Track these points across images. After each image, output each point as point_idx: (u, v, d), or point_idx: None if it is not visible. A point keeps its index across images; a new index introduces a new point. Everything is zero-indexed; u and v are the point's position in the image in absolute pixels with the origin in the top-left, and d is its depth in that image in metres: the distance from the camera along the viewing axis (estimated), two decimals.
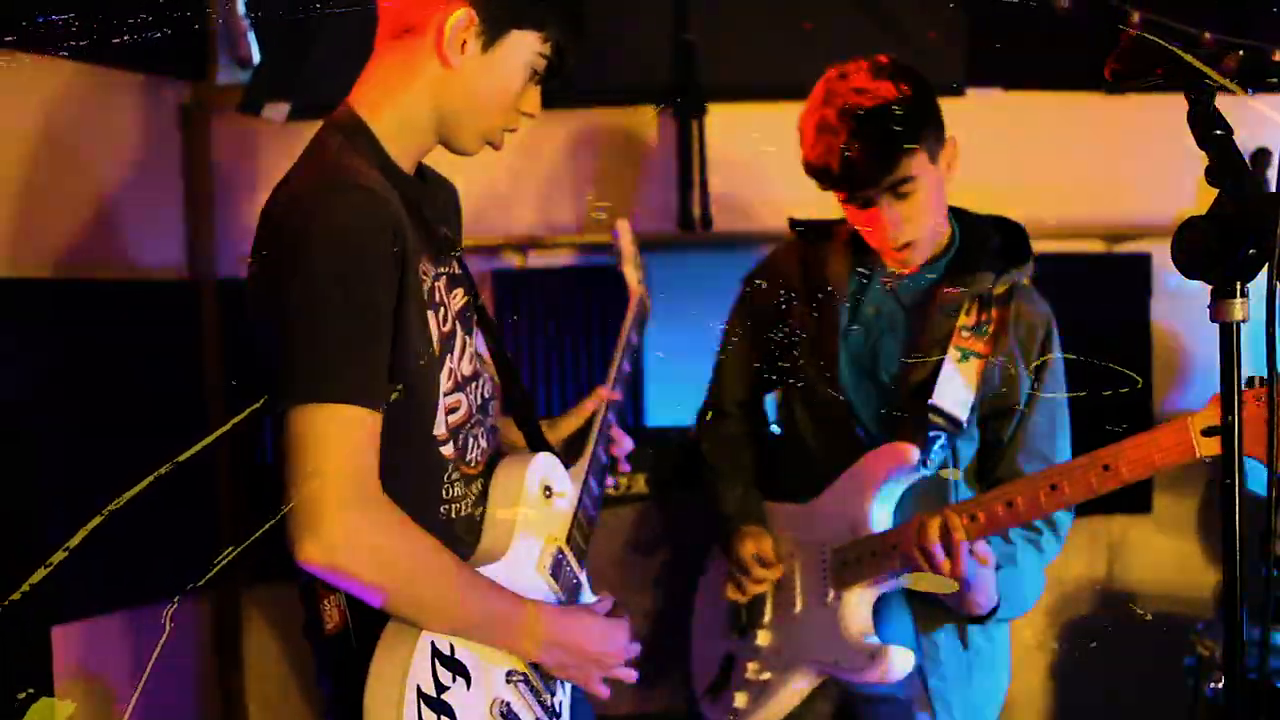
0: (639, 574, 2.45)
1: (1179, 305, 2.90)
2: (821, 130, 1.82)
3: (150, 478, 1.24)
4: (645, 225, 2.62)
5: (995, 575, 1.79)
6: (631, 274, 2.07)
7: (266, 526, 1.19)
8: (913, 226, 1.85)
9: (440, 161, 1.53)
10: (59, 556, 1.19)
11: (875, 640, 1.86)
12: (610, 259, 2.18)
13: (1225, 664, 1.18)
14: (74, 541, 1.20)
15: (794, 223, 2.10)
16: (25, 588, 1.23)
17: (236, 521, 2.59)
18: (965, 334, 1.88)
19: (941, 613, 1.90)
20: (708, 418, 2.16)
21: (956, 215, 1.99)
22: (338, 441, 1.19)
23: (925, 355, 1.89)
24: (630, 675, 1.50)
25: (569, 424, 1.74)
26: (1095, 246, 2.91)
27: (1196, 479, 2.97)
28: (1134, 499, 2.92)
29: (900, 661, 1.81)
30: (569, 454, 1.68)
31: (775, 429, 2.24)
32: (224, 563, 1.28)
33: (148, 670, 1.82)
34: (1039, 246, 2.79)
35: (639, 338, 1.97)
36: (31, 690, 1.23)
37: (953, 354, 1.87)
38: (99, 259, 2.39)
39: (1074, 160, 2.89)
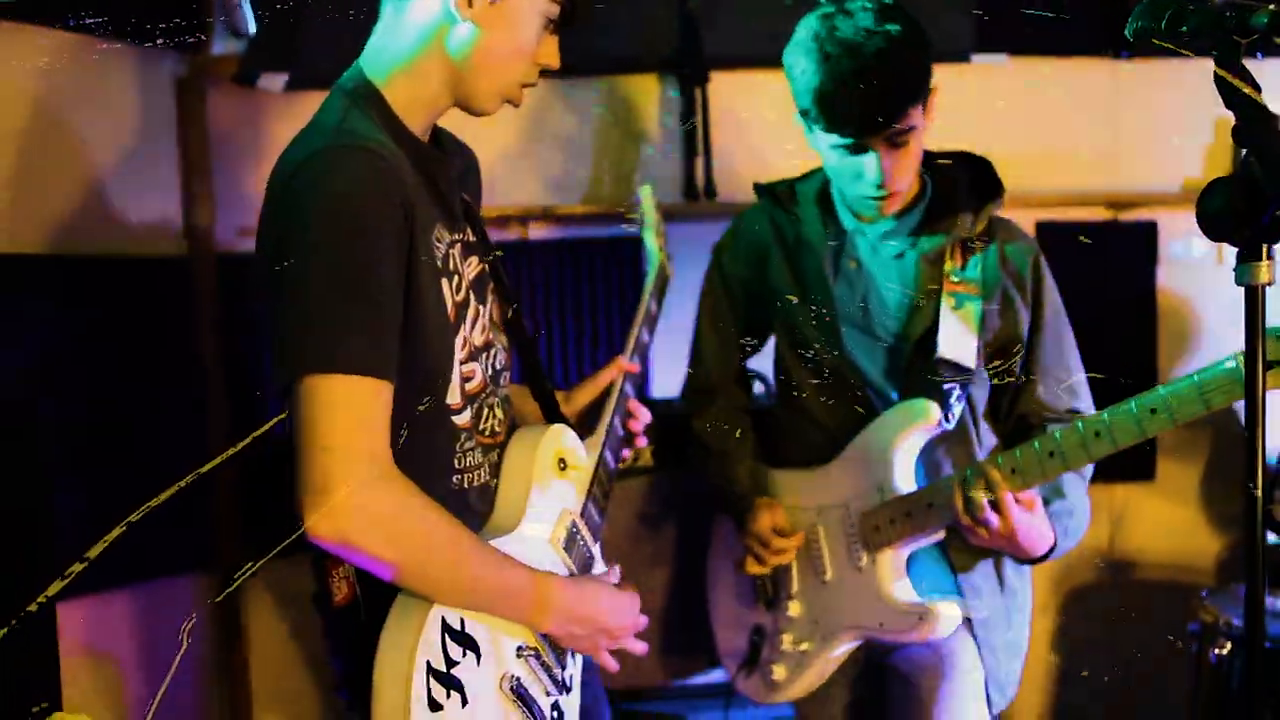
0: (648, 547, 2.43)
1: (1185, 273, 2.89)
2: (825, 68, 1.73)
3: (166, 493, 1.21)
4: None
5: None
6: (653, 241, 2.02)
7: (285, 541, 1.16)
8: (901, 177, 1.82)
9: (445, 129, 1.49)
10: (78, 568, 1.16)
11: (919, 599, 1.85)
12: (615, 230, 2.14)
13: (1247, 623, 1.15)
14: (94, 552, 1.17)
15: (759, 186, 2.06)
16: (42, 599, 1.21)
17: (235, 497, 2.56)
18: (955, 279, 1.85)
19: (979, 556, 1.89)
20: (697, 398, 2.12)
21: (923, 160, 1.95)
22: (346, 413, 1.16)
23: (918, 307, 1.86)
24: (640, 647, 1.49)
25: (585, 395, 1.71)
26: (1100, 214, 2.88)
27: (1201, 446, 2.96)
28: (1138, 467, 2.92)
29: (949, 617, 1.81)
30: (585, 426, 1.66)
31: (760, 394, 2.22)
32: (242, 579, 1.26)
33: (172, 670, 1.80)
34: (1044, 215, 2.85)
35: (659, 307, 1.92)
36: (45, 704, 1.21)
37: (947, 301, 1.84)
38: (95, 234, 2.34)
39: (1079, 128, 2.87)
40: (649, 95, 2.76)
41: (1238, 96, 1.13)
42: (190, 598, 2.57)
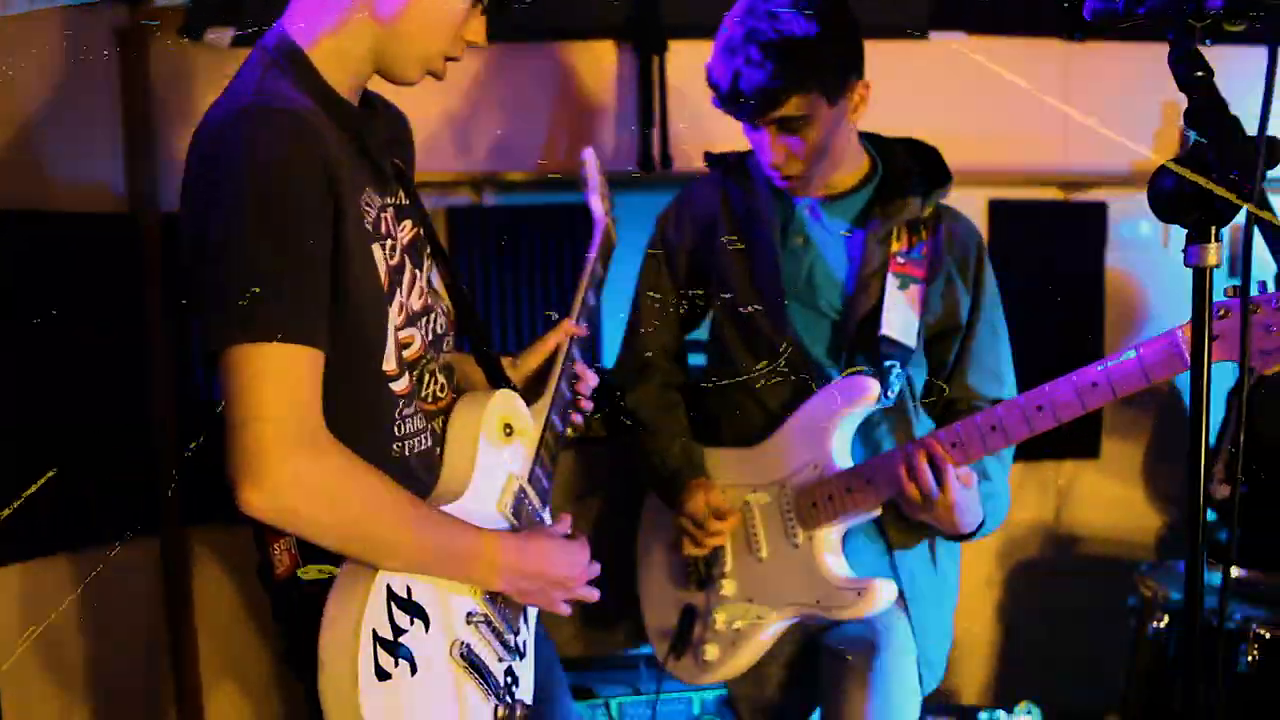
0: (598, 515, 2.43)
1: (1133, 254, 2.94)
2: (724, 47, 1.79)
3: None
4: (605, 162, 2.56)
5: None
6: (598, 204, 2.00)
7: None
8: (798, 163, 1.85)
9: (398, 93, 1.46)
10: None
11: (855, 576, 1.86)
12: (568, 197, 2.12)
13: (1187, 590, 1.18)
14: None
15: (709, 156, 2.06)
16: None
17: (176, 461, 2.52)
18: (900, 260, 1.88)
19: (914, 536, 1.91)
20: (631, 373, 2.12)
21: (873, 142, 1.98)
22: (275, 381, 1.15)
23: (864, 285, 1.88)
24: (592, 594, 1.49)
25: (532, 360, 1.70)
26: (1052, 194, 2.92)
27: (1144, 425, 3.02)
28: (1083, 445, 2.98)
29: (885, 593, 1.82)
30: (533, 391, 1.65)
31: (696, 370, 2.21)
32: None
33: None
34: (997, 193, 2.88)
35: (604, 270, 1.92)
36: None
37: (892, 281, 1.87)
38: (31, 190, 2.27)
39: (1033, 108, 2.87)
40: (605, 63, 2.73)
41: (1192, 80, 1.14)
42: (133, 563, 2.53)
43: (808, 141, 1.82)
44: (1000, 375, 1.95)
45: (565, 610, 1.47)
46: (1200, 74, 1.13)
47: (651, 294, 2.08)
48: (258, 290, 1.15)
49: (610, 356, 2.63)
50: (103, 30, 2.41)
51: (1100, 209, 2.92)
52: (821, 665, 1.95)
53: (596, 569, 1.49)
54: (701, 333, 2.21)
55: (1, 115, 2.22)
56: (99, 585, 2.41)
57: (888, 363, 1.84)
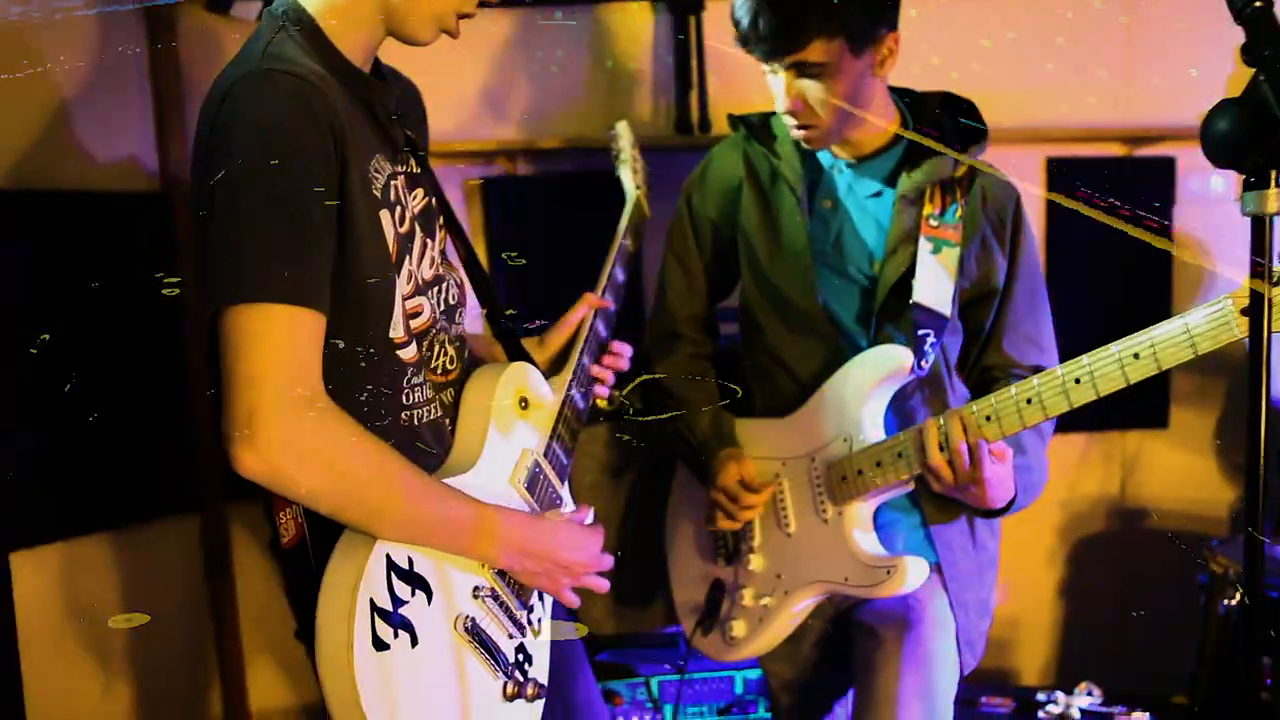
0: (633, 493, 2.42)
1: (1203, 212, 2.81)
2: None
3: None
4: (641, 128, 2.53)
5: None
6: (628, 177, 1.98)
7: None
8: (815, 114, 1.80)
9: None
10: None
11: (886, 553, 1.82)
12: (607, 164, 2.09)
13: (1246, 569, 1.11)
14: None
15: (732, 119, 2.02)
16: None
17: (215, 437, 2.53)
18: (933, 223, 1.82)
19: (953, 512, 1.87)
20: (660, 343, 2.09)
21: (903, 97, 1.92)
22: (274, 343, 1.14)
23: (895, 250, 1.83)
24: (602, 585, 1.48)
25: (558, 338, 1.69)
26: (1115, 150, 2.81)
27: (1215, 393, 2.89)
28: (1150, 414, 2.88)
29: (917, 572, 1.77)
30: (559, 369, 1.64)
31: (725, 340, 2.19)
32: None
33: None
34: (1055, 150, 2.78)
35: (635, 244, 1.89)
36: None
37: (925, 246, 1.81)
38: (64, 170, 2.29)
39: (1093, 58, 2.78)
40: (641, 25, 2.69)
41: (1248, 11, 1.06)
42: (173, 540, 2.55)
43: (828, 92, 1.76)
44: (1040, 342, 1.90)
45: (573, 600, 1.45)
46: (1258, 3, 1.05)
47: (678, 262, 2.06)
48: (258, 251, 1.15)
49: None
50: (132, 7, 2.42)
51: (1167, 164, 2.81)
52: (854, 642, 1.91)
53: (609, 561, 1.47)
54: (734, 301, 2.17)
55: (32, 97, 2.25)
56: (140, 563, 2.44)
57: (921, 332, 1.79)
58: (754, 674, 2.47)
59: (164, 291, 2.06)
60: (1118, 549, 2.92)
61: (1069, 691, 2.51)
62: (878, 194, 1.88)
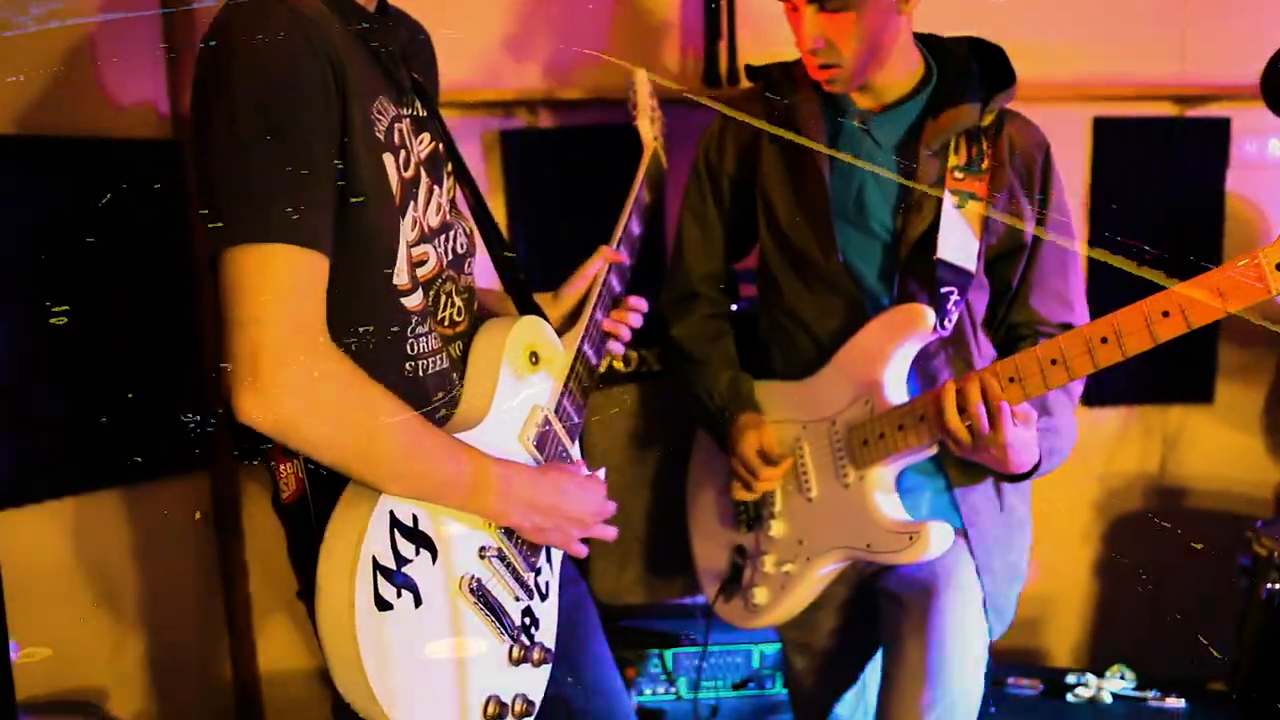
0: (653, 457, 2.40)
1: (1259, 176, 2.76)
2: None
3: None
4: (669, 79, 2.55)
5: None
6: (646, 127, 1.96)
7: None
8: (836, 52, 1.77)
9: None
10: None
11: (909, 519, 1.82)
12: (628, 117, 2.07)
13: None
14: None
15: (752, 69, 2.00)
16: None
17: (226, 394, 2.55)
18: (958, 175, 1.80)
19: (975, 474, 1.86)
20: (676, 303, 2.08)
21: (927, 43, 1.89)
22: (276, 285, 1.14)
23: (918, 204, 1.81)
24: (609, 532, 1.48)
25: (572, 293, 1.68)
26: (1166, 110, 2.76)
27: (1264, 366, 2.85)
28: (1194, 387, 2.83)
29: (941, 538, 1.76)
30: (570, 321, 1.64)
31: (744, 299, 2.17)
32: None
33: None
34: (1102, 110, 2.73)
35: (652, 197, 1.87)
36: None
37: (949, 199, 1.79)
38: (75, 117, 2.30)
39: (1144, 12, 2.71)
40: None
41: None
42: (183, 498, 2.59)
43: (850, 27, 1.73)
44: (1069, 298, 1.87)
45: (582, 550, 1.45)
46: None
47: (695, 218, 2.05)
48: (257, 189, 1.14)
49: None
50: None
51: (1222, 126, 2.75)
52: (879, 609, 1.91)
53: (613, 507, 1.47)
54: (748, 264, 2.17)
55: (42, 43, 2.25)
56: (150, 520, 2.48)
57: (945, 289, 1.78)
58: (771, 648, 2.48)
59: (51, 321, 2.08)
60: (1156, 528, 2.89)
61: (1101, 674, 2.49)
62: (900, 145, 1.86)
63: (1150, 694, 2.45)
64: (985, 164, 1.81)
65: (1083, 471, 2.91)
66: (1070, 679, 2.50)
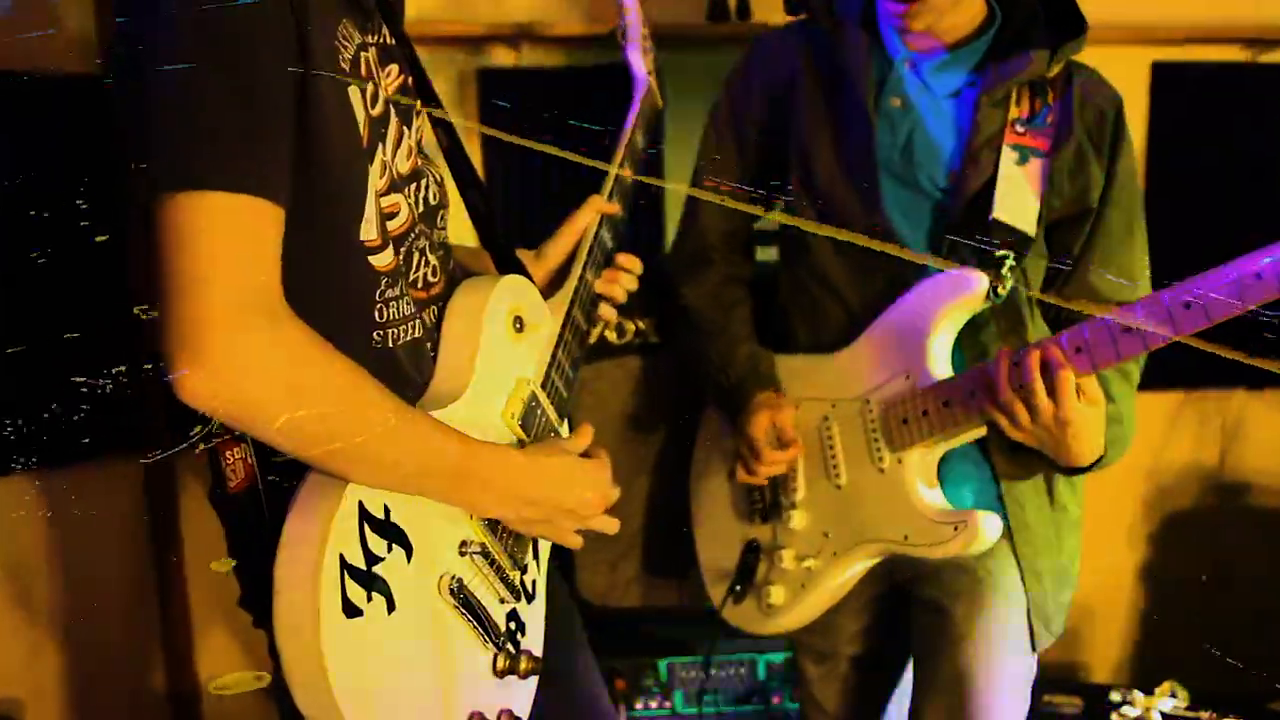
0: (649, 440, 2.40)
1: None
2: None
3: None
4: (668, 14, 2.49)
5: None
6: (639, 60, 1.93)
7: None
8: None
9: None
10: None
11: (951, 508, 1.82)
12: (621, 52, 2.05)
13: None
14: None
15: (791, 3, 2.01)
16: None
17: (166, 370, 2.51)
18: (1020, 129, 1.81)
19: (1030, 466, 1.85)
20: (688, 263, 2.08)
21: None
22: (223, 237, 1.09)
23: (974, 158, 1.82)
24: (611, 524, 1.46)
25: (559, 249, 1.66)
26: (1235, 54, 2.77)
27: None
28: (1256, 369, 2.81)
29: (988, 528, 1.75)
30: (560, 285, 1.62)
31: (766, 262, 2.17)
32: None
33: None
34: (1163, 54, 2.74)
35: (647, 139, 1.85)
36: None
37: (1009, 154, 1.79)
38: None
39: None
40: None
41: None
42: (111, 489, 2.55)
43: None
44: (1133, 275, 1.87)
45: (576, 542, 1.44)
46: None
47: (713, 168, 2.04)
48: (200, 125, 1.09)
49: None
50: None
51: None
52: (912, 620, 1.91)
53: (616, 494, 1.45)
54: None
55: None
56: (74, 510, 2.44)
57: (1000, 253, 1.77)
58: (779, 657, 2.48)
59: None
60: (1211, 528, 2.91)
61: (1148, 692, 2.50)
62: (956, 94, 1.85)
63: (1204, 714, 2.46)
64: (1050, 118, 1.81)
65: (1129, 464, 2.83)
66: (1114, 697, 2.51)
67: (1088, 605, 2.91)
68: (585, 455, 1.44)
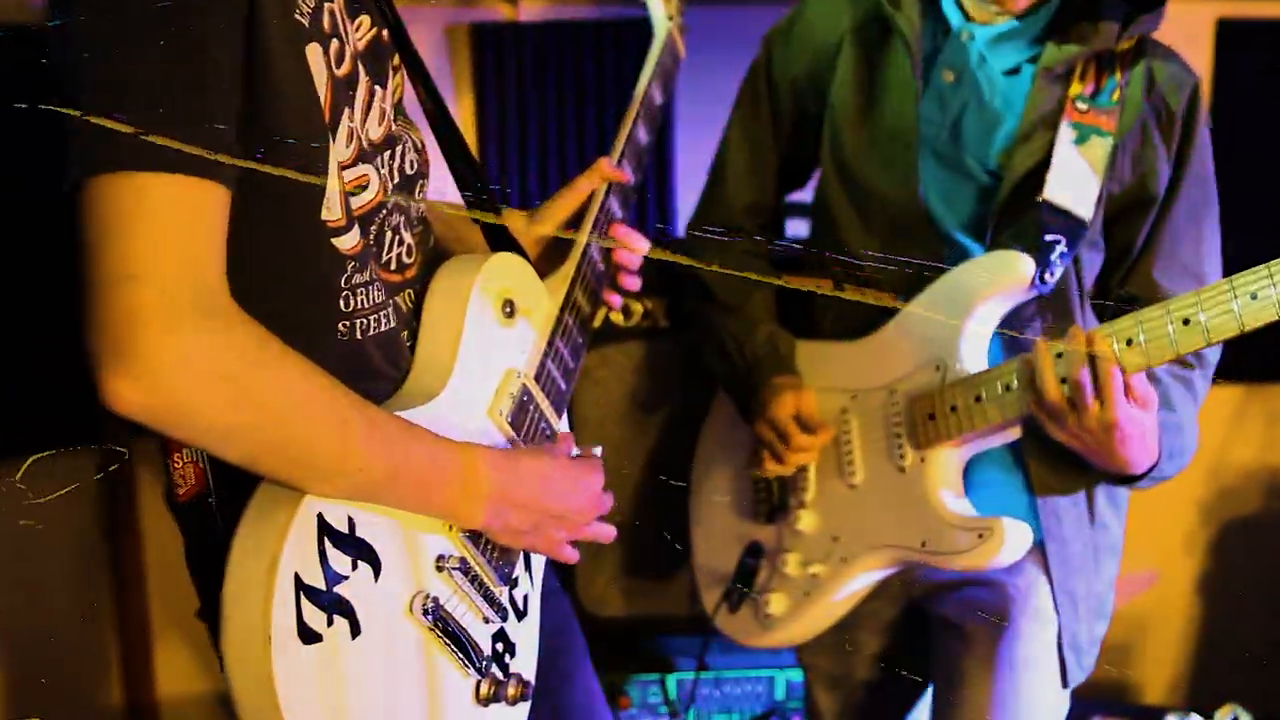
0: (656, 434, 2.39)
1: None
2: None
3: None
4: None
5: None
6: (658, 3, 1.90)
7: None
8: None
9: None
10: None
11: (976, 514, 1.80)
12: (629, 10, 2.03)
13: None
14: None
15: None
16: None
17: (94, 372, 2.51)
18: (1081, 105, 1.80)
19: (1070, 476, 1.84)
20: (710, 236, 2.08)
21: None
22: (158, 225, 1.05)
23: (1028, 135, 1.81)
24: (606, 533, 1.45)
25: (556, 215, 1.64)
26: None
27: None
28: None
29: (1016, 539, 1.73)
30: (555, 259, 1.60)
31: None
32: None
33: None
34: (1228, 9, 2.72)
35: (665, 96, 1.82)
36: None
37: (1067, 133, 1.79)
38: None
39: None
40: None
41: None
42: (63, 485, 2.51)
43: None
44: (1201, 273, 1.86)
45: (570, 555, 1.41)
46: None
47: (745, 133, 2.05)
48: (127, 95, 1.06)
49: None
50: None
51: None
52: (933, 641, 1.90)
53: (610, 501, 1.43)
54: (806, 193, 2.16)
55: None
56: (17, 511, 2.41)
57: (1049, 237, 1.76)
58: (799, 674, 2.46)
59: None
60: (1277, 534, 2.90)
61: (1208, 715, 2.50)
62: (1015, 70, 1.86)
63: None
64: (1116, 95, 1.80)
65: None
66: (1170, 719, 2.50)
67: (1140, 618, 2.91)
68: (576, 456, 1.42)
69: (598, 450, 1.48)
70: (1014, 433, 1.79)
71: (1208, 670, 2.94)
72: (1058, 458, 1.79)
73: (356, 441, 1.17)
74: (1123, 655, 2.92)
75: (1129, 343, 1.62)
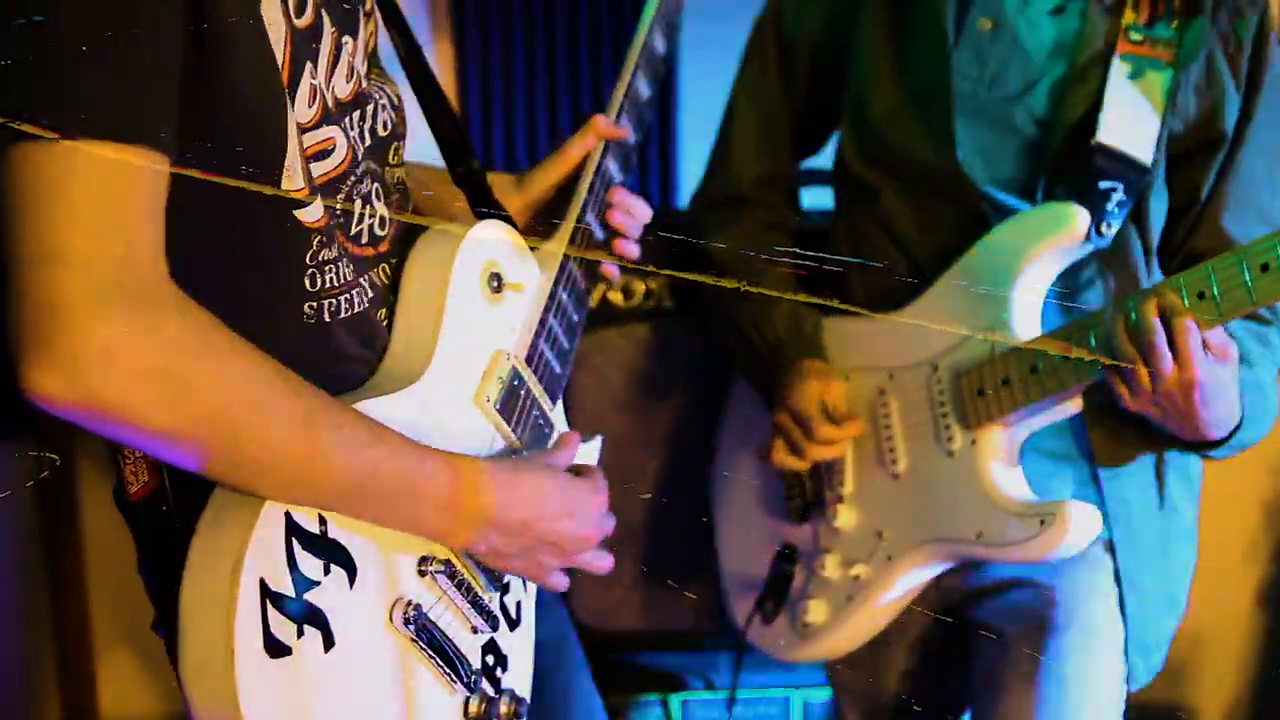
0: (662, 425, 2.40)
1: None
2: None
3: None
4: None
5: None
6: None
7: None
8: None
9: None
10: None
11: (1037, 499, 1.80)
12: None
13: None
14: None
15: None
16: None
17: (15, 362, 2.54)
18: (1135, 36, 1.83)
19: (1130, 449, 1.87)
20: (719, 207, 2.11)
21: None
22: (85, 200, 1.06)
23: (1079, 75, 1.83)
24: (603, 562, 1.45)
25: (549, 177, 1.65)
26: None
27: None
28: None
29: (1084, 524, 1.74)
30: (546, 227, 1.61)
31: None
32: None
33: None
34: None
35: (667, 45, 1.82)
36: None
37: (1121, 67, 1.80)
38: None
39: None
40: None
41: None
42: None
43: None
44: (1276, 220, 1.87)
45: (560, 583, 1.42)
46: None
47: (754, 97, 2.08)
48: (49, 52, 1.06)
49: (689, 195, 2.61)
50: None
51: None
52: (972, 649, 1.90)
53: (612, 525, 1.43)
54: (825, 159, 2.18)
55: None
56: None
57: (1105, 184, 1.75)
58: (819, 695, 2.48)
59: None
60: None
61: None
62: (1059, 9, 1.86)
63: None
64: (1174, 23, 1.81)
65: (1248, 460, 2.87)
66: None
67: (1196, 633, 2.86)
68: (575, 472, 1.42)
69: (597, 441, 1.49)
70: (1074, 405, 1.80)
71: (1272, 691, 2.95)
72: (1119, 429, 1.81)
73: (319, 446, 1.17)
74: (1176, 675, 2.92)
75: (1200, 296, 1.62)
